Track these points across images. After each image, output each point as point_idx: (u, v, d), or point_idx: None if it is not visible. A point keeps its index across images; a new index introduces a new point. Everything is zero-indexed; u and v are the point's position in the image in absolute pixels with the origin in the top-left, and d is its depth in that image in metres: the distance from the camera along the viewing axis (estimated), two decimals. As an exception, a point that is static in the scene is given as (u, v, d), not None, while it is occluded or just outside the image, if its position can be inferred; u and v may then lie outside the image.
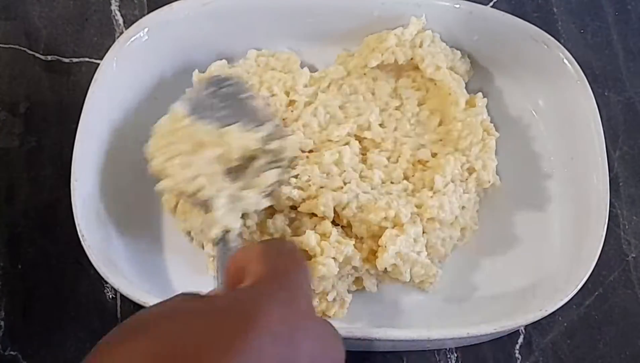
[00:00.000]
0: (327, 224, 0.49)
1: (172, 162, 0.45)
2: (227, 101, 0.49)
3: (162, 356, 0.24)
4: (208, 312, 0.27)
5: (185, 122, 0.46)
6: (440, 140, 0.54)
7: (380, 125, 0.54)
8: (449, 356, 0.52)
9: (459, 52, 0.57)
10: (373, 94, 0.56)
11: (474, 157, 0.53)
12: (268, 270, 0.30)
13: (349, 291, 0.50)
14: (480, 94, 0.55)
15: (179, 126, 0.46)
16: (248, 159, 0.46)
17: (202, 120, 0.46)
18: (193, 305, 0.28)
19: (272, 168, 0.47)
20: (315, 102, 0.55)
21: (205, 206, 0.45)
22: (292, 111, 0.55)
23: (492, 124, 0.55)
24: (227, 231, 0.44)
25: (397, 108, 0.55)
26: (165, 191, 0.47)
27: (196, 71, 0.55)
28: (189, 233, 0.50)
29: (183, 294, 0.30)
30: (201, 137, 0.45)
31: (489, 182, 0.52)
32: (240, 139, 0.46)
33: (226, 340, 0.25)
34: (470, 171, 0.53)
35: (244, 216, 0.46)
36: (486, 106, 0.55)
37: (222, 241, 0.43)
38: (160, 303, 0.29)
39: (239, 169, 0.46)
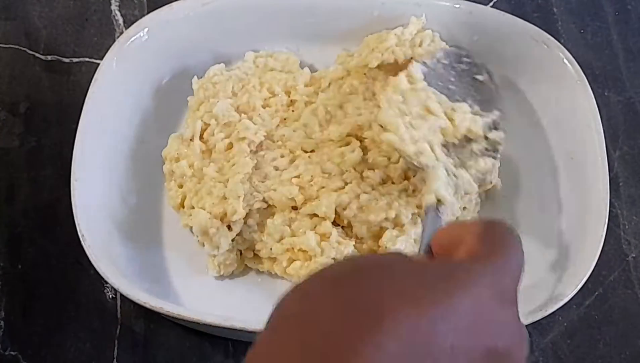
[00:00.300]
0: (328, 224, 0.49)
1: (402, 119, 0.46)
2: (461, 77, 0.50)
3: (358, 306, 0.24)
4: (419, 271, 0.27)
5: (420, 85, 0.48)
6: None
7: None
8: (449, 356, 0.51)
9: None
10: (373, 94, 0.56)
11: None
12: (485, 251, 0.29)
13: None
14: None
15: (413, 87, 0.48)
16: (466, 140, 0.47)
17: (432, 87, 0.48)
18: (405, 264, 0.27)
19: (487, 156, 0.48)
20: (315, 102, 0.55)
21: (421, 170, 0.46)
22: (292, 111, 0.55)
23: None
24: (439, 202, 0.45)
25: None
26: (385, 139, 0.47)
27: (195, 77, 0.55)
28: (191, 228, 0.50)
29: (398, 253, 0.29)
30: (433, 105, 0.47)
31: (491, 183, 0.52)
32: (467, 120, 0.47)
33: (429, 302, 0.24)
34: None
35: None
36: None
37: (433, 210, 0.44)
38: (372, 255, 0.28)
39: (455, 146, 0.47)
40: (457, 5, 0.56)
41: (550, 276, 0.50)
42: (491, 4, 0.64)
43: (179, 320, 0.46)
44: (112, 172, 0.53)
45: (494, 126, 0.48)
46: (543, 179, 0.55)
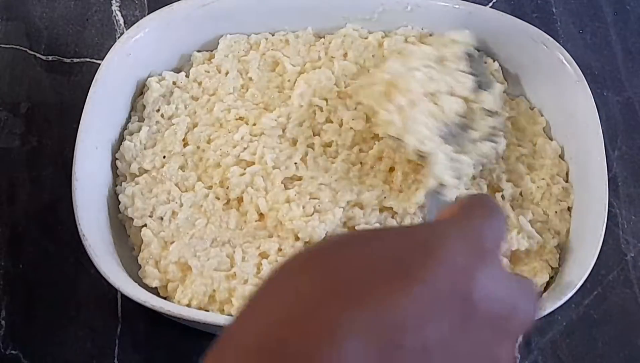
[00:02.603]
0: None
1: (397, 107, 0.48)
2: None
3: (336, 276, 0.24)
4: (386, 238, 0.26)
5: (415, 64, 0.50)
6: None
7: None
8: (448, 355, 0.52)
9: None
10: None
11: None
12: (458, 214, 0.29)
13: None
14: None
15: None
16: (465, 126, 0.49)
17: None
18: (375, 233, 0.28)
19: (488, 141, 0.49)
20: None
21: (423, 158, 0.48)
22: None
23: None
24: (441, 186, 0.47)
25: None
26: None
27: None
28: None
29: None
30: (431, 86, 0.48)
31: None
32: (468, 90, 0.49)
33: (400, 267, 0.24)
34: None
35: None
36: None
37: (435, 193, 0.46)
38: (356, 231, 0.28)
39: (454, 135, 0.48)
40: (457, 6, 0.56)
41: (549, 276, 0.51)
42: (490, 4, 0.65)
43: (180, 319, 0.47)
44: (112, 172, 0.53)
45: (497, 107, 0.50)
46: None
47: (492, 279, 0.26)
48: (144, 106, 0.55)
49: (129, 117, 0.55)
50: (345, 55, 0.57)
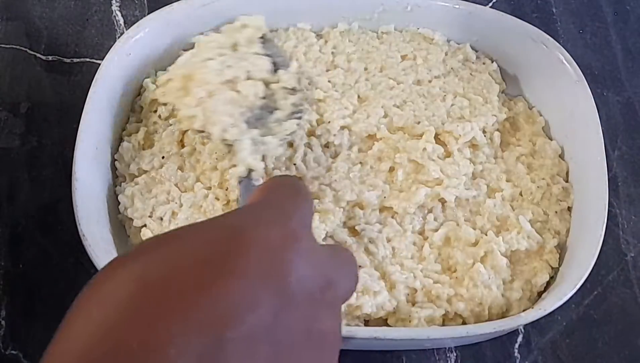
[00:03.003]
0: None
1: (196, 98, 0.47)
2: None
3: (151, 281, 0.24)
4: (196, 233, 0.26)
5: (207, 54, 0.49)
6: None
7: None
8: (448, 355, 0.52)
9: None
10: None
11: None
12: (263, 196, 0.29)
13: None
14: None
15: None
16: (269, 108, 0.48)
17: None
18: (185, 230, 0.27)
19: (292, 119, 0.49)
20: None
21: (230, 146, 0.48)
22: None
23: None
24: (250, 171, 0.47)
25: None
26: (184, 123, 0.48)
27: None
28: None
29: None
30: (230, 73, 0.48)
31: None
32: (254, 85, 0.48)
33: (212, 260, 0.24)
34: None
35: (263, 158, 0.49)
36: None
37: (245, 179, 0.47)
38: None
39: (261, 117, 0.48)
40: (457, 6, 0.56)
41: (549, 276, 0.51)
42: (490, 4, 0.65)
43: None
44: (112, 172, 0.53)
45: (297, 88, 0.50)
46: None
47: (304, 258, 0.26)
48: (142, 107, 0.55)
49: (129, 117, 0.55)
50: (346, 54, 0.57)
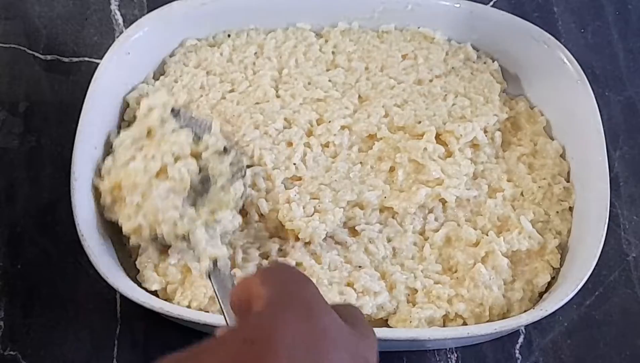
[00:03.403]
0: None
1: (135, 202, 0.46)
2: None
3: None
4: (225, 349, 0.26)
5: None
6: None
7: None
8: (449, 356, 0.52)
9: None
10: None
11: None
12: (275, 292, 0.28)
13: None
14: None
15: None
16: (209, 180, 0.47)
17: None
18: (210, 346, 0.27)
19: (236, 181, 0.48)
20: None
21: (186, 240, 0.45)
22: None
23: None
24: (215, 260, 0.45)
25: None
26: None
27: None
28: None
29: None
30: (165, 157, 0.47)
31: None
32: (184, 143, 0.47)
33: None
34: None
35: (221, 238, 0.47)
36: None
37: (214, 271, 0.44)
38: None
39: (204, 191, 0.47)
40: (458, 5, 0.56)
41: (550, 276, 0.50)
42: (491, 3, 0.64)
43: (179, 320, 0.46)
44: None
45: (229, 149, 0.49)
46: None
47: (338, 344, 0.26)
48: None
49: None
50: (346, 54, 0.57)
